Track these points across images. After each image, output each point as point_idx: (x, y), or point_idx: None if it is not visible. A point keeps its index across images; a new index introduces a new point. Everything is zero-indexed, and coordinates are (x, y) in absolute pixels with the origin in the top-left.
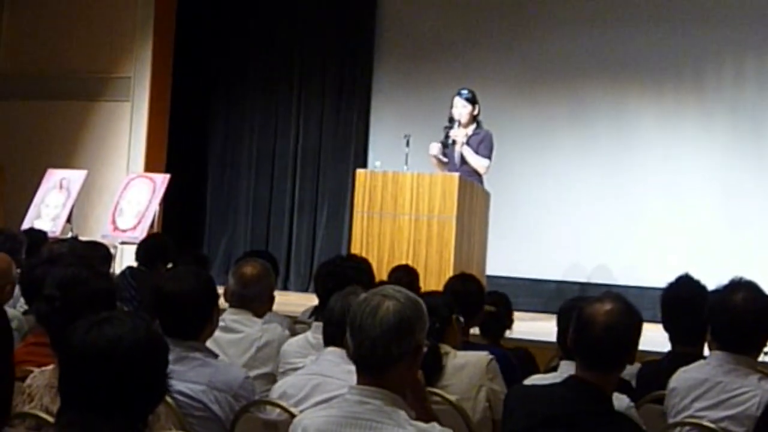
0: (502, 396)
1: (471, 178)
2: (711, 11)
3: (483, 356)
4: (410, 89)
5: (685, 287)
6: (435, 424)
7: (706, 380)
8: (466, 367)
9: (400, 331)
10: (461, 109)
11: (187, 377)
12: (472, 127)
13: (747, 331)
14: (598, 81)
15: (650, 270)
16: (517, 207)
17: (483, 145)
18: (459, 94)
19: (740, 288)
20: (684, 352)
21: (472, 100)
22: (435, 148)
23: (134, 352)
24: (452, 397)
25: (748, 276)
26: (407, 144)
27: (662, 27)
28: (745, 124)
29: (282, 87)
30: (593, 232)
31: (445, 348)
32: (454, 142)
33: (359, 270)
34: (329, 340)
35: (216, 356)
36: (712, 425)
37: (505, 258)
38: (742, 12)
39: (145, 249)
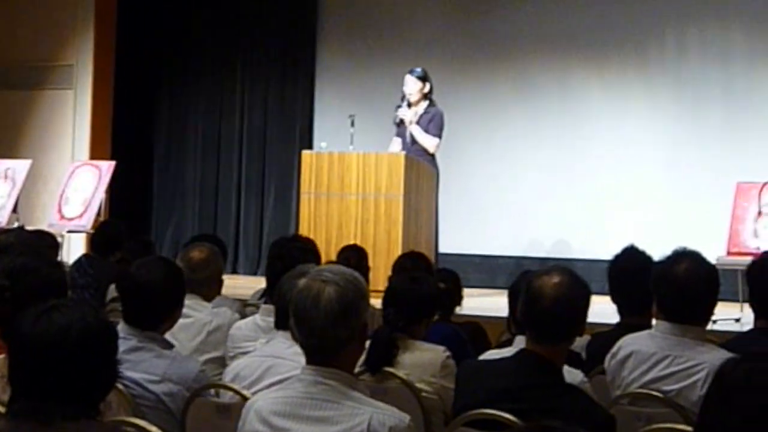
0: (452, 393)
1: (422, 157)
2: None
3: (439, 353)
4: (354, 69)
5: (631, 258)
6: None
7: (654, 353)
8: (420, 362)
9: (346, 315)
10: (411, 86)
11: (141, 368)
12: (424, 105)
13: (691, 301)
14: (543, 55)
15: (597, 242)
16: (466, 184)
17: (432, 123)
18: (410, 72)
19: (683, 258)
20: (632, 323)
21: (423, 78)
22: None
23: (83, 340)
24: (402, 374)
25: (693, 246)
26: (352, 124)
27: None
28: (688, 95)
29: (225, 70)
30: (541, 206)
31: (404, 341)
32: (402, 121)
33: (305, 251)
34: (282, 323)
35: (171, 347)
36: (662, 396)
37: (455, 235)
38: None
39: (99, 236)
